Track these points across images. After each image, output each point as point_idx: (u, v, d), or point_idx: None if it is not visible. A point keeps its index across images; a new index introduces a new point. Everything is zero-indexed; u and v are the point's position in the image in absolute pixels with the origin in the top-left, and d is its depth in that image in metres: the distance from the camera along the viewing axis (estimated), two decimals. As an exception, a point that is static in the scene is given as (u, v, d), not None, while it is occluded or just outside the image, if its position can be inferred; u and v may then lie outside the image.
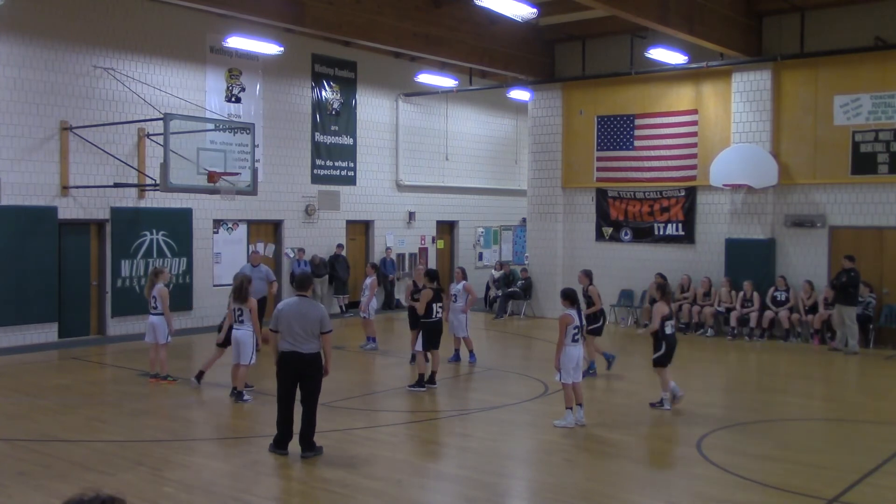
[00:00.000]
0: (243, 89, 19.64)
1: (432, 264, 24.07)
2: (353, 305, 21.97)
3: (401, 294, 22.33)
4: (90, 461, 8.68)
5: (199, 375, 12.46)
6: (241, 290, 11.68)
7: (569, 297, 10.37)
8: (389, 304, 22.62)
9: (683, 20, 16.07)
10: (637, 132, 20.26)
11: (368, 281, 16.00)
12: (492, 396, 12.16)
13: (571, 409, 10.22)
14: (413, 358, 13.60)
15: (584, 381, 10.95)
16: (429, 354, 12.69)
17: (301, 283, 9.35)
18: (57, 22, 16.30)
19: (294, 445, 8.90)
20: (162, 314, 12.68)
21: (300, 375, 8.81)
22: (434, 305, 12.63)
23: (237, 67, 19.45)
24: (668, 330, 11.23)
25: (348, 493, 7.82)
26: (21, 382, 12.81)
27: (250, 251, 18.76)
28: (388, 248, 22.84)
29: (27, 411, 10.94)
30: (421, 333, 12.69)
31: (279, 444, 8.93)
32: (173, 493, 7.77)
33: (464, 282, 14.96)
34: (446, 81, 21.76)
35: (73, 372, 13.80)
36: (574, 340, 10.17)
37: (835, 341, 16.72)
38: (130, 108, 17.32)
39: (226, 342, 12.18)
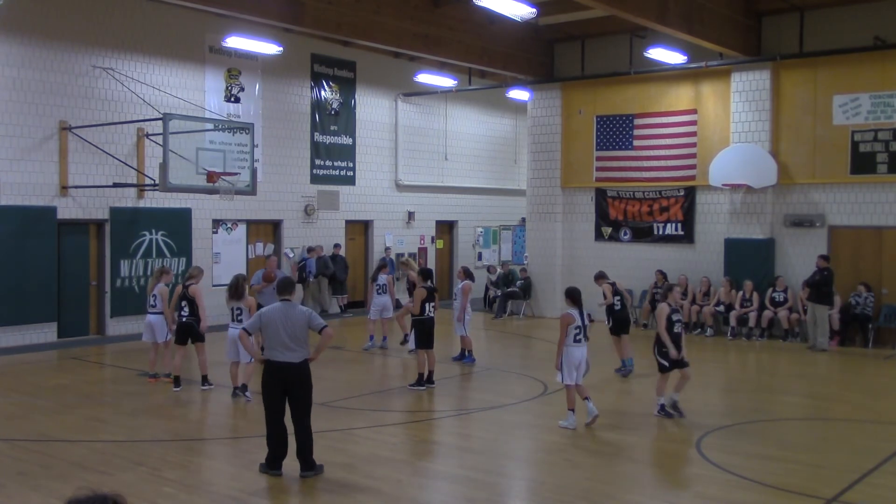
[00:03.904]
0: (242, 89, 19.63)
1: (431, 264, 24.06)
2: (352, 305, 22.00)
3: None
4: (89, 461, 8.67)
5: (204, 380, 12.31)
6: (236, 287, 11.66)
7: (570, 296, 10.30)
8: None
9: (682, 20, 16.07)
10: (636, 132, 20.25)
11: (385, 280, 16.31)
12: (492, 396, 12.16)
13: (573, 410, 10.19)
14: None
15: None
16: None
17: (283, 288, 8.41)
18: (56, 22, 16.29)
19: (293, 461, 8.26)
20: (161, 313, 12.69)
21: (288, 386, 8.11)
22: (427, 305, 12.62)
23: (236, 67, 19.44)
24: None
25: (348, 493, 7.82)
26: (20, 382, 12.81)
27: (266, 258, 17.80)
28: (387, 248, 22.82)
29: (26, 411, 10.94)
30: (413, 333, 12.69)
31: (272, 464, 8.18)
32: (172, 492, 7.76)
33: (465, 281, 14.89)
34: (445, 81, 21.75)
35: (72, 372, 13.79)
36: (576, 340, 10.12)
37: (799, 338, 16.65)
38: (129, 108, 17.32)
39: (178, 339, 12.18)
